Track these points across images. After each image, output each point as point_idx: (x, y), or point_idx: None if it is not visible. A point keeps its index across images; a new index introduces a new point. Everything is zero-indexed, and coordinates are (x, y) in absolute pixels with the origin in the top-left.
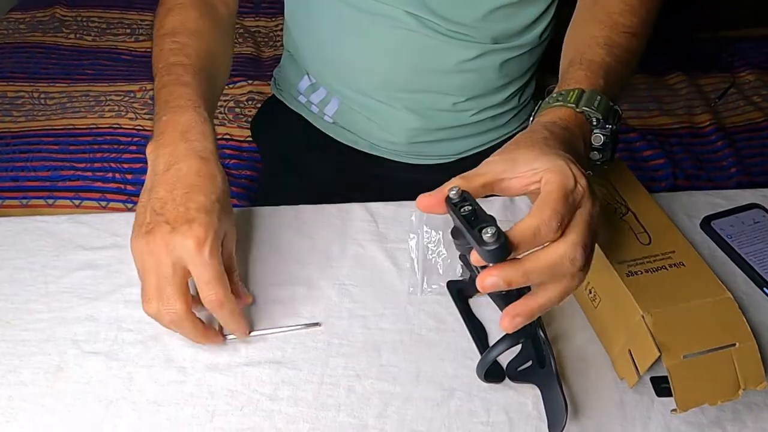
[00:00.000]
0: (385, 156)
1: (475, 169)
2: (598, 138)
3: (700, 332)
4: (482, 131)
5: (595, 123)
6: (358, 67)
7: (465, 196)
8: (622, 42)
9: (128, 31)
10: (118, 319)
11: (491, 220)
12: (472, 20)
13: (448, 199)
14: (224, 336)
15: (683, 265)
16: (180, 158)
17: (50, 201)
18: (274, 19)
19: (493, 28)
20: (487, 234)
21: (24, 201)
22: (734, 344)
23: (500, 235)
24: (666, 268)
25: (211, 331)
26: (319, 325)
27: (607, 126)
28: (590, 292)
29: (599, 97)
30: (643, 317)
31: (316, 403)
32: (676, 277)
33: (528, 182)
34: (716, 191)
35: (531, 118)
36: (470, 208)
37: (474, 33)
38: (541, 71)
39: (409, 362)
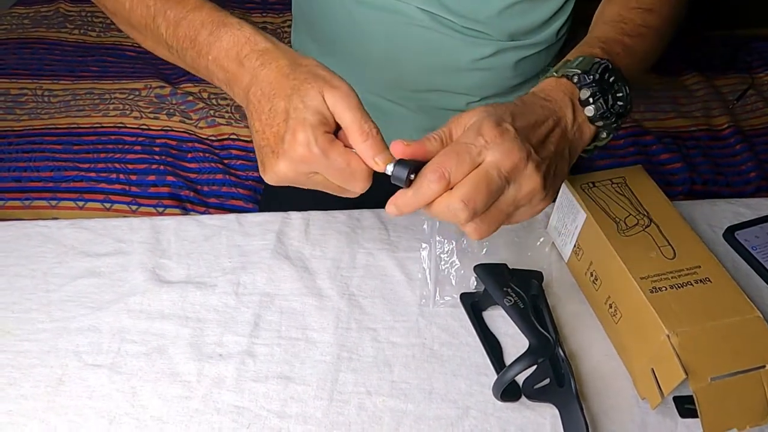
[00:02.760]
0: None
1: (447, 126)
2: (584, 92)
3: (728, 353)
4: None
5: (576, 81)
6: (368, 65)
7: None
8: (634, 17)
9: None
10: (122, 329)
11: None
12: (486, 16)
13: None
14: None
15: (709, 281)
16: (249, 83)
17: (53, 202)
18: (281, 15)
19: (509, 25)
20: (389, 168)
21: (27, 202)
22: (764, 366)
23: (403, 163)
24: (692, 284)
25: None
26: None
27: (588, 78)
28: (610, 306)
29: (581, 58)
30: (668, 337)
31: (326, 420)
32: (703, 294)
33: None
34: (739, 200)
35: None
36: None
37: (489, 30)
38: None
39: (421, 378)
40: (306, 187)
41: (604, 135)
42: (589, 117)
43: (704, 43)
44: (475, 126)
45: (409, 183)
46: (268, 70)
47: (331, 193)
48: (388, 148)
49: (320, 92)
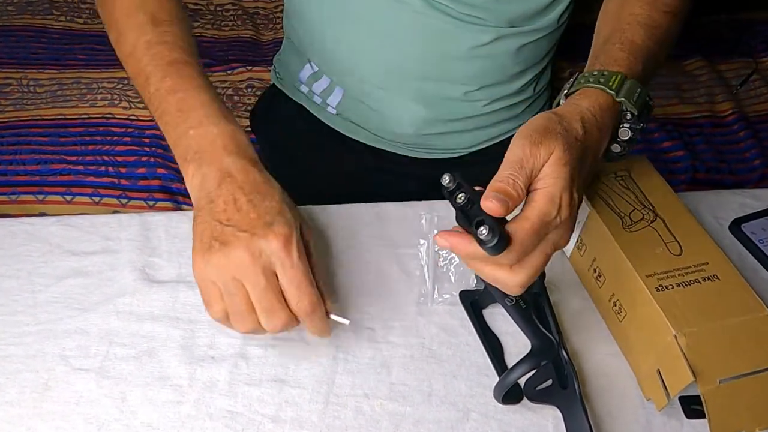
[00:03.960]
0: (391, 149)
1: (526, 169)
2: (626, 132)
3: (737, 354)
4: (495, 122)
5: (629, 117)
6: (362, 54)
7: (460, 183)
8: (663, 22)
9: None
10: (110, 332)
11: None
12: (485, 1)
13: (442, 187)
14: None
15: (717, 278)
16: (231, 171)
17: (40, 197)
18: (273, 0)
19: (509, 10)
20: (483, 233)
21: (13, 196)
22: None
23: (494, 230)
24: (699, 282)
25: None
26: (348, 322)
27: (640, 124)
28: (615, 304)
29: (639, 90)
30: (675, 337)
31: (322, 425)
32: (711, 292)
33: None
34: (745, 190)
35: (567, 89)
36: (465, 195)
37: (488, 15)
38: (557, 59)
39: (420, 380)
40: (238, 287)
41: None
42: (614, 152)
43: (707, 27)
44: (554, 197)
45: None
46: (259, 173)
47: (247, 315)
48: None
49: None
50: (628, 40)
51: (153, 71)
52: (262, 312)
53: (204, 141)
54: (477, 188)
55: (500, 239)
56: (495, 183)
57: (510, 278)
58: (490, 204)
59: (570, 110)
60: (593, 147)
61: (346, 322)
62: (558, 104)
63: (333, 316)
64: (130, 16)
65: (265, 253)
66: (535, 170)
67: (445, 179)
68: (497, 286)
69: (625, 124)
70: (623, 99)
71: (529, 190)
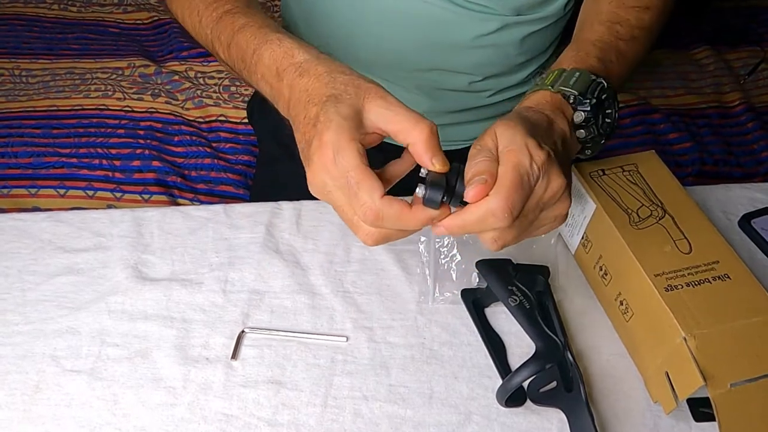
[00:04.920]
0: (391, 141)
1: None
2: (579, 115)
3: (749, 356)
4: (499, 114)
5: (572, 101)
6: (362, 42)
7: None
8: (629, 17)
9: (116, 1)
10: (102, 332)
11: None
12: None
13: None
14: None
15: (728, 277)
16: (289, 92)
17: (33, 190)
18: None
19: None
20: (419, 192)
21: (5, 190)
22: None
23: (428, 184)
24: (709, 282)
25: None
26: (346, 340)
27: (585, 101)
28: (621, 304)
29: (578, 74)
30: (684, 339)
31: (320, 428)
32: (721, 293)
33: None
34: (754, 184)
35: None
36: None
37: (494, 4)
38: (561, 48)
39: (420, 382)
40: (336, 211)
41: (588, 152)
42: (579, 138)
43: (714, 15)
44: (520, 147)
45: (440, 205)
46: (306, 78)
47: (348, 226)
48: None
49: (360, 99)
50: (582, 39)
51: (212, 37)
52: (351, 228)
53: (266, 77)
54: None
55: (432, 188)
56: (470, 171)
57: (507, 233)
58: (471, 191)
59: (509, 115)
60: (542, 127)
61: (342, 339)
62: None
63: (329, 337)
64: (191, 13)
65: (316, 173)
66: (494, 149)
67: (423, 171)
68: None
69: (577, 108)
70: (560, 88)
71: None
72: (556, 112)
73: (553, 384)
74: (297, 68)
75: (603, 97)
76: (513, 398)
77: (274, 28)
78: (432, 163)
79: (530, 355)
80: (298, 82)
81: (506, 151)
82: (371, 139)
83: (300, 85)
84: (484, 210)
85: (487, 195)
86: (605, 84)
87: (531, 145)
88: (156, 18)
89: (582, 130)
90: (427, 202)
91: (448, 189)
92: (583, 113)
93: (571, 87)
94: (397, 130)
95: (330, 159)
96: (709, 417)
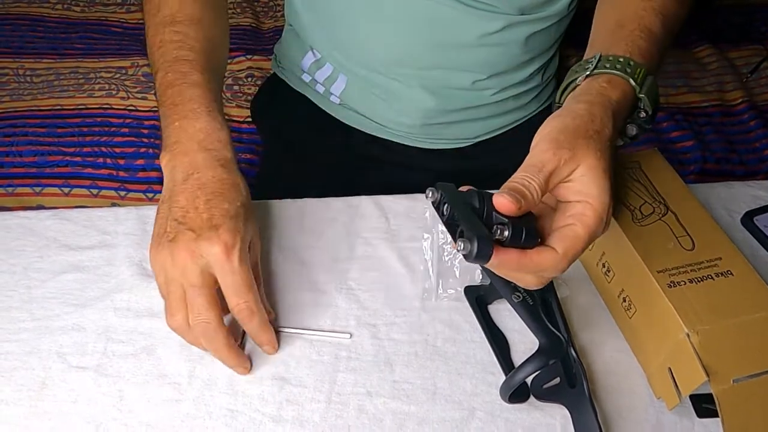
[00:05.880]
0: (396, 140)
1: (546, 171)
2: (632, 129)
3: (751, 352)
4: (503, 112)
5: (642, 115)
6: (368, 40)
7: (443, 194)
8: (674, 9)
9: (119, 0)
10: (108, 328)
11: (468, 221)
12: None
13: (427, 197)
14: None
15: (731, 273)
16: (200, 167)
17: (37, 189)
18: None
19: None
20: (460, 247)
21: (10, 189)
22: None
23: (472, 244)
24: (712, 278)
25: (241, 352)
26: (350, 336)
27: (649, 126)
28: (624, 300)
29: (656, 90)
30: (687, 335)
31: (324, 424)
32: (724, 289)
33: (567, 196)
34: (757, 182)
35: (589, 69)
36: (448, 207)
37: (498, 3)
38: (563, 47)
39: (424, 378)
40: (176, 285)
41: None
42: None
43: (716, 13)
44: (602, 214)
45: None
46: (226, 176)
47: (179, 310)
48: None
49: (253, 233)
50: (647, 29)
51: (159, 67)
52: (191, 311)
53: (184, 134)
54: (464, 189)
55: (477, 251)
56: (509, 183)
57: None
58: (501, 199)
59: (601, 105)
60: (614, 137)
61: (346, 336)
62: (573, 83)
63: (332, 334)
64: (154, 15)
65: (204, 256)
66: (559, 175)
67: (429, 194)
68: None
69: (636, 121)
70: (643, 96)
71: (563, 199)
72: (625, 115)
73: (557, 380)
74: (220, 159)
75: (653, 122)
76: (516, 394)
77: (219, 104)
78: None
79: (533, 352)
80: (216, 169)
81: (589, 205)
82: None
83: (219, 174)
84: (550, 265)
85: (519, 211)
86: (660, 106)
87: (609, 209)
88: None
89: (621, 140)
90: (475, 259)
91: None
92: (635, 129)
93: (650, 102)
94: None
95: (233, 260)
96: (712, 413)
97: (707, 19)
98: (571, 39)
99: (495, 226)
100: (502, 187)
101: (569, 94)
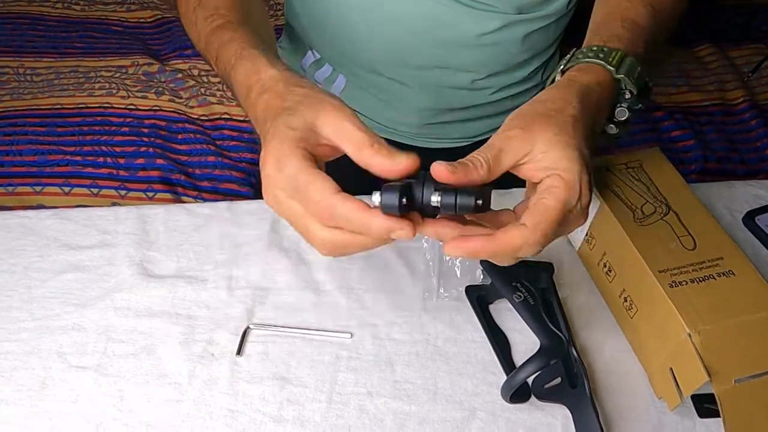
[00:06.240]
0: (396, 139)
1: (496, 148)
2: (623, 112)
3: (753, 352)
4: (502, 111)
5: (627, 96)
6: (366, 41)
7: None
8: (667, 2)
9: None
10: (108, 328)
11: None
12: None
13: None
14: None
15: (733, 273)
16: (255, 107)
17: (38, 188)
18: None
19: None
20: (375, 196)
21: (10, 188)
22: None
23: (384, 195)
24: (714, 278)
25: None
26: (351, 336)
27: (639, 105)
28: (625, 300)
29: (639, 69)
30: (689, 335)
31: (325, 424)
32: (726, 289)
33: (536, 175)
34: (759, 181)
35: (563, 64)
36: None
37: (496, 2)
38: (564, 45)
39: (425, 378)
40: (292, 225)
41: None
42: (609, 134)
43: (717, 12)
44: (573, 184)
45: (402, 209)
46: (267, 95)
47: (305, 237)
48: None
49: (314, 113)
50: (630, 20)
51: (207, 55)
52: (304, 237)
53: (238, 89)
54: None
55: (387, 192)
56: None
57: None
58: (437, 166)
59: (564, 87)
60: (590, 124)
61: (347, 336)
62: (553, 80)
63: (333, 334)
64: (185, 14)
65: (266, 183)
66: (514, 153)
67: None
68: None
69: (622, 104)
70: (622, 76)
71: (535, 180)
72: (606, 101)
73: (558, 380)
74: (261, 85)
75: (647, 102)
76: (517, 394)
77: (255, 44)
78: (398, 163)
79: (535, 352)
80: (260, 99)
81: (557, 176)
82: (325, 151)
83: (261, 103)
84: (521, 241)
85: (457, 179)
86: (651, 88)
87: (584, 184)
88: (159, 16)
89: (614, 127)
90: (385, 208)
91: (411, 196)
92: (627, 112)
93: (633, 82)
94: (349, 147)
95: (275, 168)
96: (714, 413)
97: (709, 18)
98: (571, 38)
99: (432, 194)
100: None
101: None
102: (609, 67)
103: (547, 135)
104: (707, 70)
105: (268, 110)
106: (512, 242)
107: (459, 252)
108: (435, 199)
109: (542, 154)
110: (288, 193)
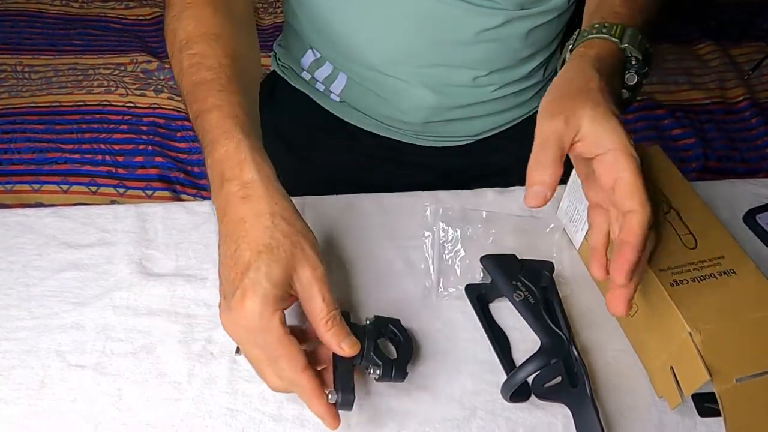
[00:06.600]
0: (397, 138)
1: (537, 140)
2: (632, 77)
3: (754, 351)
4: (504, 109)
5: (633, 62)
6: (367, 38)
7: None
8: None
9: None
10: (107, 327)
11: (342, 376)
12: None
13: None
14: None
15: (734, 272)
16: (225, 208)
17: (36, 186)
18: None
19: None
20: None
21: (9, 186)
22: None
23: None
24: (715, 277)
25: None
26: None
27: (645, 69)
28: None
29: (640, 36)
30: (690, 335)
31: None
32: (727, 287)
33: (589, 151)
34: (759, 179)
35: (569, 47)
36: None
37: None
38: (566, 41)
39: (425, 377)
40: (248, 359)
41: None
42: (623, 98)
43: (718, 11)
44: (628, 150)
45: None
46: (246, 208)
47: (262, 376)
48: (350, 334)
49: (293, 262)
50: None
51: (186, 100)
52: (273, 371)
53: (211, 171)
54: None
55: (344, 393)
56: (534, 172)
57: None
58: (530, 201)
59: (580, 64)
60: (611, 89)
61: (349, 409)
62: (563, 62)
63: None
64: (171, 44)
65: (238, 324)
66: (563, 138)
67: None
68: None
69: (630, 70)
70: (627, 45)
71: (589, 155)
72: (619, 67)
73: (558, 379)
74: (241, 187)
75: (651, 66)
76: (518, 393)
77: (240, 120)
78: (341, 348)
79: (535, 351)
80: (239, 206)
81: (613, 152)
82: (289, 301)
83: (239, 212)
84: (643, 225)
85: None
86: (652, 54)
87: (630, 141)
88: (158, 13)
89: (626, 91)
90: (340, 406)
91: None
92: (636, 76)
93: (637, 48)
94: (309, 310)
95: (253, 327)
96: (715, 412)
97: (709, 16)
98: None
99: (369, 366)
100: (528, 178)
101: None
102: (614, 39)
103: (586, 112)
104: (708, 68)
105: (248, 234)
106: (637, 228)
107: (626, 277)
108: (377, 373)
109: (589, 131)
110: (255, 345)
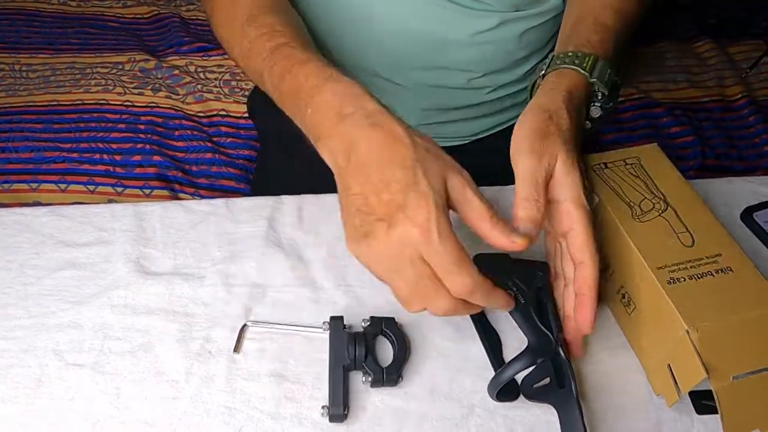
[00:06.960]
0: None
1: (519, 177)
2: (596, 111)
3: (751, 349)
4: (499, 110)
5: (600, 97)
6: (360, 42)
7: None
8: (632, 8)
9: None
10: (104, 326)
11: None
12: None
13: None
14: None
15: (731, 270)
16: (352, 140)
17: (34, 185)
18: None
19: None
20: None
21: (6, 185)
22: None
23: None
24: (712, 274)
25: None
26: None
27: (609, 104)
28: (623, 297)
29: (609, 71)
30: (687, 332)
31: (323, 422)
32: (724, 285)
33: (549, 196)
34: (757, 177)
35: (543, 71)
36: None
37: (491, 0)
38: None
39: (423, 376)
40: (394, 276)
41: None
42: (585, 129)
43: (716, 8)
44: (584, 206)
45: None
46: (381, 133)
47: (411, 300)
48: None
49: (443, 173)
50: (600, 23)
51: (263, 67)
52: (421, 300)
53: (319, 115)
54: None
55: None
56: (522, 210)
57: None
58: (521, 244)
59: (553, 98)
60: (577, 125)
61: None
62: (535, 86)
63: None
64: (230, 24)
65: (406, 244)
66: (546, 178)
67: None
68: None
69: (596, 103)
70: (596, 80)
71: (549, 199)
72: (584, 102)
73: (547, 380)
74: (368, 116)
75: (616, 101)
76: (506, 393)
77: (340, 71)
78: (513, 242)
79: (522, 350)
80: (371, 132)
81: (570, 205)
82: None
83: (374, 137)
84: (594, 276)
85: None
86: (620, 86)
87: (586, 195)
88: (156, 12)
89: (589, 123)
90: (332, 419)
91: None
92: (600, 110)
93: (605, 83)
94: (469, 214)
95: (427, 239)
96: (712, 410)
97: (708, 14)
98: None
99: (362, 375)
100: (516, 215)
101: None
102: (584, 72)
103: (561, 157)
104: (706, 66)
105: (392, 152)
106: (590, 281)
107: (592, 326)
108: (365, 381)
109: (557, 178)
110: (427, 268)
